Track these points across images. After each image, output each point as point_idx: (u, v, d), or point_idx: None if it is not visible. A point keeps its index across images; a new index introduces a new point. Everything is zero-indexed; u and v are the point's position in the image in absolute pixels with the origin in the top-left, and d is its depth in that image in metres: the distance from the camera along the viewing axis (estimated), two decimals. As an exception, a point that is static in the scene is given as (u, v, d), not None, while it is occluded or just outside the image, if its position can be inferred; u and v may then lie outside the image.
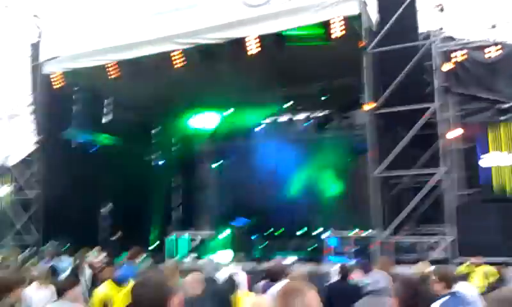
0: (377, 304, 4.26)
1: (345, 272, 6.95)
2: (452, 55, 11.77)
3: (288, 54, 12.46)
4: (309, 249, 15.77)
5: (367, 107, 11.72)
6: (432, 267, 6.44)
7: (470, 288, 5.15)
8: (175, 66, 13.08)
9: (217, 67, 13.11)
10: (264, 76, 14.14)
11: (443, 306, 4.32)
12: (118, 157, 16.94)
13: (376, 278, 4.65)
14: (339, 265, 7.47)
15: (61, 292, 5.07)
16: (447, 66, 11.63)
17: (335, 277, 7.34)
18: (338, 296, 6.09)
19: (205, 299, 4.73)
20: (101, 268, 7.79)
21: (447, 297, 4.38)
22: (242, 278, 7.32)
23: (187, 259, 13.97)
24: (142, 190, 17.56)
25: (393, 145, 12.23)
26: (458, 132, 11.87)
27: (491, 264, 8.81)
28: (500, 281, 8.36)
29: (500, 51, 11.61)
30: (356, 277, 6.77)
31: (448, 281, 4.54)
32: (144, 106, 16.73)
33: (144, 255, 8.41)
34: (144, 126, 18.22)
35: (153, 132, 19.54)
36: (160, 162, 19.93)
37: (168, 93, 15.39)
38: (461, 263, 9.78)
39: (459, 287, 4.83)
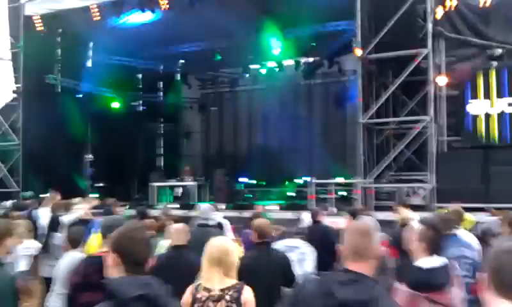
0: None
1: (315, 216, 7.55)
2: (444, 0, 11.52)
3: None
4: (291, 195, 15.81)
5: (359, 51, 11.50)
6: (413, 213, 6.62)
7: (468, 234, 5.25)
8: (162, 8, 12.59)
9: (204, 10, 12.62)
10: (252, 19, 13.71)
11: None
12: (101, 103, 16.54)
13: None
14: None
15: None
16: (440, 11, 11.38)
17: (305, 222, 7.83)
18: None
19: (193, 247, 4.67)
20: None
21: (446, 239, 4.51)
22: (227, 225, 7.31)
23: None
24: (126, 137, 17.28)
25: (381, 92, 12.15)
26: (444, 79, 11.77)
27: (468, 210, 8.85)
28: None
29: (493, -3, 11.40)
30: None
31: (448, 224, 4.69)
32: (129, 50, 16.20)
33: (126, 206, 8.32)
34: (128, 71, 17.71)
35: (137, 76, 19.03)
36: (144, 108, 19.56)
37: (153, 37, 14.83)
38: (440, 208, 9.85)
39: (458, 231, 4.97)
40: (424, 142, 12.07)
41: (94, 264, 3.33)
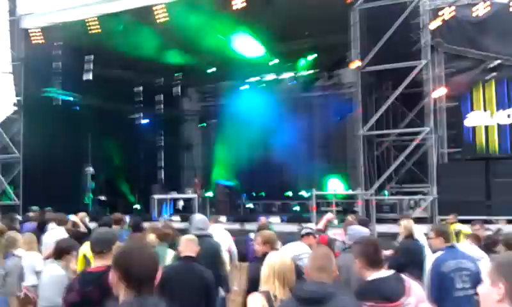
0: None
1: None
2: (440, 12, 11.58)
3: (274, 10, 12.14)
4: (293, 209, 15.81)
5: (354, 64, 11.56)
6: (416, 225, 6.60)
7: (470, 246, 5.27)
8: (158, 21, 12.67)
9: (201, 22, 12.71)
10: (248, 32, 13.81)
11: (440, 257, 4.52)
12: (100, 116, 16.58)
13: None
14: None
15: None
16: (434, 24, 11.45)
17: None
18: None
19: (202, 258, 4.67)
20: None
21: (444, 251, 4.58)
22: (228, 238, 7.28)
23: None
24: (126, 150, 17.32)
25: (381, 104, 12.18)
26: (443, 90, 11.81)
27: (464, 222, 8.83)
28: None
29: (488, 8, 11.44)
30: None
31: (446, 236, 4.73)
32: (127, 63, 16.28)
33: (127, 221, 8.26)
34: (127, 84, 17.75)
35: (135, 90, 19.07)
36: (145, 121, 19.58)
37: (151, 49, 14.87)
38: (442, 220, 9.84)
39: (459, 244, 5.04)
40: (424, 153, 12.10)
41: (92, 280, 3.29)
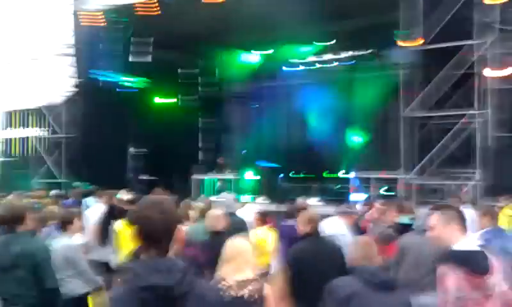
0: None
1: None
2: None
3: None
4: (334, 189, 15.69)
5: (404, 43, 11.20)
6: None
7: None
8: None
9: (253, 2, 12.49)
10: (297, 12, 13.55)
11: (484, 235, 4.46)
12: (146, 97, 16.80)
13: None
14: None
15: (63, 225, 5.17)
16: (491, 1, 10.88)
17: None
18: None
19: (230, 233, 4.76)
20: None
21: (489, 229, 4.62)
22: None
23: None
24: (168, 131, 17.58)
25: (427, 85, 11.84)
26: (500, 71, 11.26)
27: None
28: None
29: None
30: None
31: (493, 215, 4.62)
32: (173, 45, 16.37)
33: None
34: (172, 65, 17.95)
35: (180, 71, 19.22)
36: (188, 102, 19.77)
37: (200, 31, 14.85)
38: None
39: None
40: (468, 136, 11.71)
41: None
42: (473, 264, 2.87)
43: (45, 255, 4.12)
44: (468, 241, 3.01)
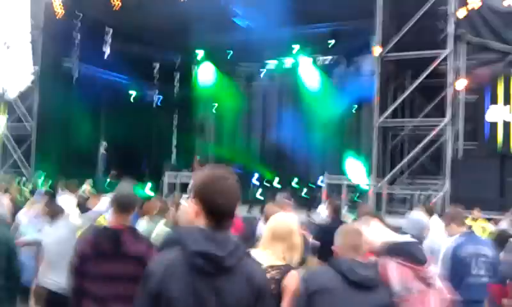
0: None
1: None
2: (468, 0, 11.26)
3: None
4: (303, 196, 15.66)
5: (377, 50, 11.32)
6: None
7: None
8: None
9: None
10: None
11: (457, 241, 4.45)
12: (118, 92, 16.51)
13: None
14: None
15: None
16: (462, 12, 11.13)
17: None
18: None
19: None
20: (87, 198, 7.75)
21: (463, 236, 4.49)
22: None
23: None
24: (140, 128, 17.30)
25: (399, 94, 11.99)
26: (464, 82, 11.49)
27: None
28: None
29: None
30: None
31: (462, 220, 4.66)
32: (147, 40, 16.14)
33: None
34: (146, 61, 17.71)
35: (154, 68, 19.01)
36: (159, 99, 19.54)
37: (173, 27, 14.71)
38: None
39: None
40: (439, 147, 11.88)
41: (108, 236, 3.19)
42: (411, 253, 2.87)
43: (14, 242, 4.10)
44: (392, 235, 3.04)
